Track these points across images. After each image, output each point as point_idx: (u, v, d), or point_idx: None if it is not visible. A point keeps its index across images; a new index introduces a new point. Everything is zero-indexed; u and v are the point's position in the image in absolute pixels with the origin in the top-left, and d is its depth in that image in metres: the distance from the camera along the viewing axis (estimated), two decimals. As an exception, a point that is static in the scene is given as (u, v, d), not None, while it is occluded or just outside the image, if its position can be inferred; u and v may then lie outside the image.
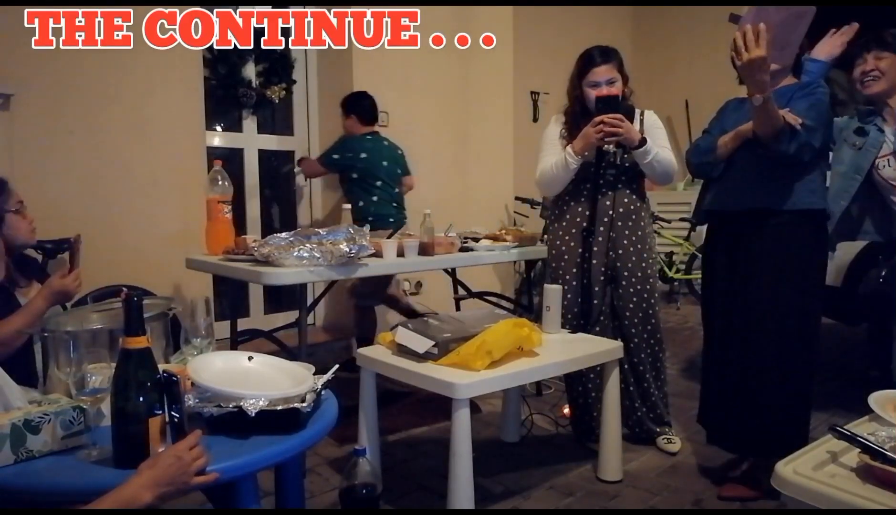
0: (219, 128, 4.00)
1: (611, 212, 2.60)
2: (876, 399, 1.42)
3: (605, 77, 2.55)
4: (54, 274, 1.90)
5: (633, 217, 2.62)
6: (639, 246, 2.62)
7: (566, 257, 2.67)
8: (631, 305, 2.62)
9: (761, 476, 2.19)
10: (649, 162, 2.51)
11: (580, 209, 2.64)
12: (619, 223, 2.61)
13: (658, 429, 2.70)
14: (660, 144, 2.56)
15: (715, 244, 2.33)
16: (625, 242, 2.61)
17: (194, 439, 1.19)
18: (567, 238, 2.67)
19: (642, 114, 2.63)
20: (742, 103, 2.31)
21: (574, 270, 2.64)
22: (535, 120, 5.90)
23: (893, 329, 2.57)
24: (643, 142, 2.48)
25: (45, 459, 1.24)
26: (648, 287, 2.64)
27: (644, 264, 2.63)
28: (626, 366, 2.64)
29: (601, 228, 2.60)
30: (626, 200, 2.62)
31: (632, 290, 2.62)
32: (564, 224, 2.68)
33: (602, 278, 2.62)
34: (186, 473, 1.14)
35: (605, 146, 2.51)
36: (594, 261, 2.60)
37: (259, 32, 3.87)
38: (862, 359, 3.82)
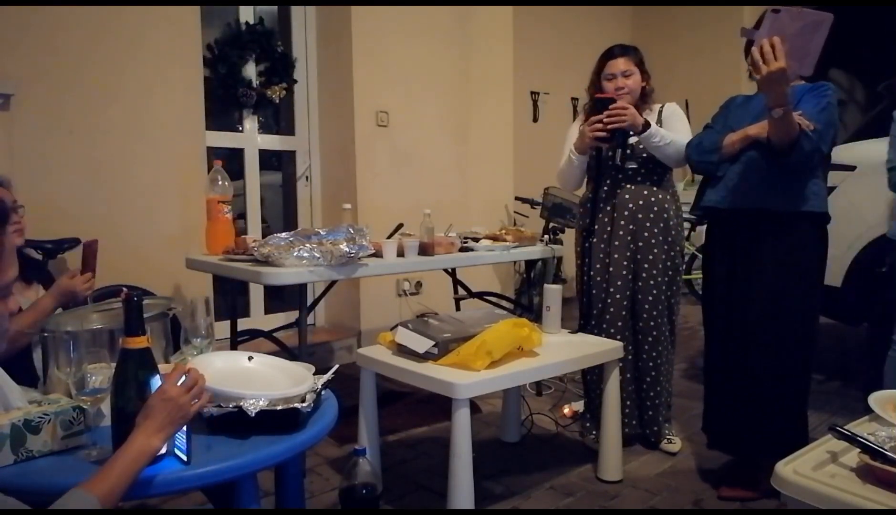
0: (226, 129, 4.00)
1: (630, 206, 2.60)
2: (876, 399, 1.42)
3: (620, 69, 2.58)
4: (64, 274, 1.92)
5: (656, 209, 2.60)
6: (660, 237, 2.60)
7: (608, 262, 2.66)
8: (650, 298, 2.61)
9: (761, 476, 2.19)
10: (657, 145, 2.50)
11: (605, 206, 2.65)
12: (640, 216, 2.60)
13: (662, 432, 2.70)
14: (677, 129, 2.57)
15: (715, 243, 2.33)
16: (645, 235, 2.60)
17: (176, 375, 1.20)
18: (596, 240, 2.67)
19: (662, 107, 2.66)
20: (749, 100, 2.30)
21: (621, 273, 2.62)
22: (535, 120, 5.91)
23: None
24: (647, 126, 2.48)
25: (45, 459, 1.24)
26: (668, 281, 2.63)
27: (666, 257, 2.62)
28: (639, 364, 2.65)
29: (622, 222, 2.60)
30: (645, 192, 2.61)
31: (652, 283, 2.60)
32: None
33: (624, 271, 2.61)
34: (184, 411, 1.17)
35: (601, 145, 2.52)
36: (616, 256, 2.61)
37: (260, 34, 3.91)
38: (862, 359, 3.82)
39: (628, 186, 2.62)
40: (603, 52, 2.68)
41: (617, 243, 2.61)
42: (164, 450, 1.18)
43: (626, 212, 2.61)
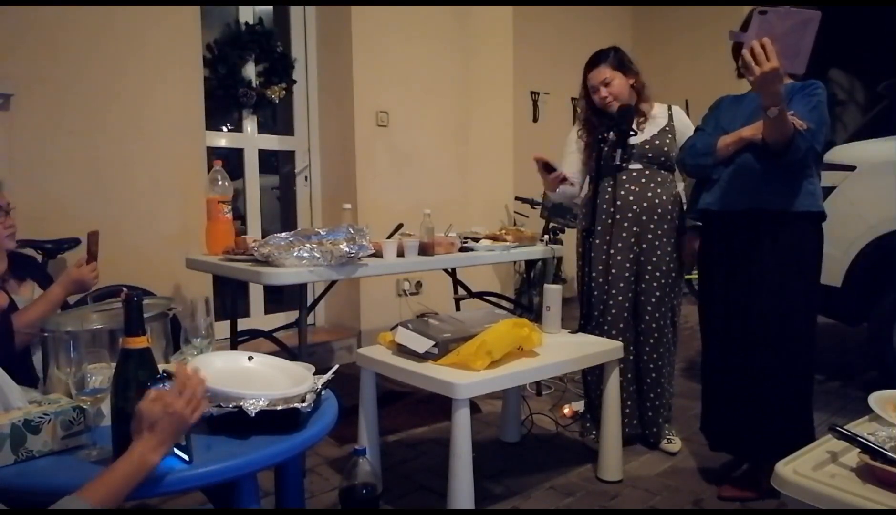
0: (224, 129, 4.01)
1: (634, 207, 2.60)
2: (876, 399, 1.42)
3: (599, 80, 2.58)
4: (72, 264, 1.95)
5: (660, 211, 2.60)
6: (664, 239, 2.60)
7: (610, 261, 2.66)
8: (654, 300, 2.61)
9: (761, 476, 2.19)
10: None
11: (606, 207, 2.64)
12: (644, 218, 2.60)
13: (662, 433, 2.70)
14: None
15: (712, 245, 2.32)
16: (649, 236, 2.60)
17: (180, 385, 1.18)
18: (598, 241, 2.67)
19: (670, 109, 2.67)
20: (739, 100, 2.30)
21: (623, 274, 2.63)
22: (535, 120, 5.90)
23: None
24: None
25: (45, 459, 1.24)
26: (672, 282, 2.64)
27: (669, 259, 2.62)
28: (640, 365, 2.66)
29: (624, 224, 2.60)
30: (649, 194, 2.60)
31: (655, 285, 2.61)
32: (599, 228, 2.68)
33: (627, 273, 2.62)
34: (185, 422, 1.15)
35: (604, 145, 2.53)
36: (619, 257, 2.61)
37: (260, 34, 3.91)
38: (862, 359, 3.83)
39: (631, 188, 2.61)
40: (588, 61, 2.67)
41: (620, 245, 2.61)
42: None
43: (629, 214, 2.60)
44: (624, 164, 2.57)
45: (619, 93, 2.59)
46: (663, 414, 2.70)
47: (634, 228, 2.60)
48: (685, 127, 2.65)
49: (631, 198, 2.60)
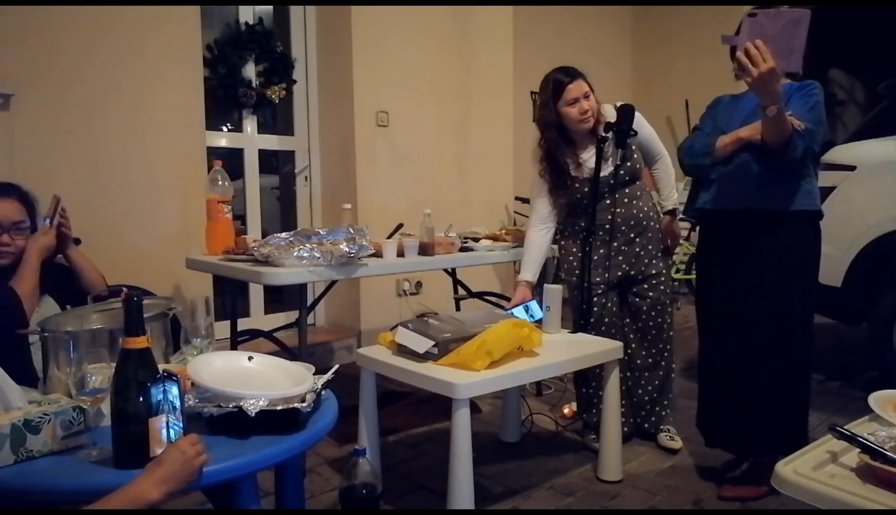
0: (224, 129, 4.01)
1: (623, 228, 2.62)
2: (876, 399, 1.42)
3: (582, 92, 2.51)
4: (38, 232, 2.07)
5: (644, 222, 2.63)
6: (649, 247, 2.64)
7: (578, 269, 2.65)
8: (645, 307, 2.66)
9: (761, 475, 2.20)
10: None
11: (582, 222, 2.63)
12: (632, 234, 2.62)
13: (661, 426, 2.73)
14: (651, 135, 2.70)
15: (711, 245, 2.32)
16: (637, 249, 2.63)
17: (195, 437, 1.19)
18: (575, 250, 2.67)
19: (616, 109, 2.57)
20: (736, 100, 2.30)
21: (615, 281, 2.66)
22: (535, 120, 5.90)
23: None
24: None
25: (45, 459, 1.24)
26: (663, 282, 2.68)
27: (657, 261, 2.65)
28: (638, 361, 2.70)
29: (600, 233, 2.61)
30: (634, 211, 2.62)
31: (646, 286, 2.64)
32: (577, 239, 2.67)
33: (618, 281, 2.64)
34: (192, 469, 1.15)
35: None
36: (598, 269, 2.62)
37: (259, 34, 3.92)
38: (862, 359, 3.83)
39: (618, 210, 2.60)
40: (546, 81, 2.59)
41: (613, 253, 2.62)
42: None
43: (618, 234, 2.61)
44: (621, 163, 2.56)
45: (595, 107, 2.53)
46: (659, 413, 2.73)
47: (624, 247, 2.63)
48: (638, 125, 2.60)
49: (619, 220, 2.61)
